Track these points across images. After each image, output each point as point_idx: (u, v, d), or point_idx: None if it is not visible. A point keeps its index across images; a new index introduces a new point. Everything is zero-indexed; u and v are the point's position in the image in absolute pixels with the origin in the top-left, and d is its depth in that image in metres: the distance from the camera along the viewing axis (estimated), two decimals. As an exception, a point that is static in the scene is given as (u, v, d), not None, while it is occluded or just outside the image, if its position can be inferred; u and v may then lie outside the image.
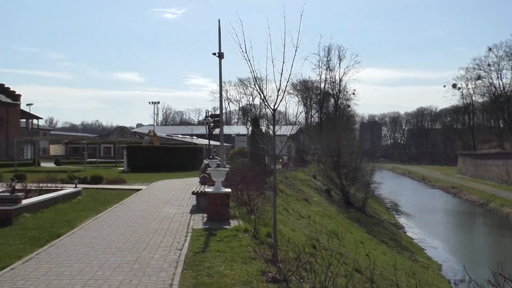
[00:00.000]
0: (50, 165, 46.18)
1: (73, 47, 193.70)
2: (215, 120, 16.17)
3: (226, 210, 11.04)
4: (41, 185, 15.33)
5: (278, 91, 7.53)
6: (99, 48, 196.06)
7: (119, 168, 38.97)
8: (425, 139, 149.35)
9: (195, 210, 12.89)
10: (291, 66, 7.16)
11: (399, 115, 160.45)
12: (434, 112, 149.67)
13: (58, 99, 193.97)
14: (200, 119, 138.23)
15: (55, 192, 14.33)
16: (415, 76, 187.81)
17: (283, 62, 7.36)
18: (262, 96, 7.45)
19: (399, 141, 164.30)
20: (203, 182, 15.93)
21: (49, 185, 16.24)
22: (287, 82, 7.30)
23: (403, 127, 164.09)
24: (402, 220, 41.58)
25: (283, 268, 6.58)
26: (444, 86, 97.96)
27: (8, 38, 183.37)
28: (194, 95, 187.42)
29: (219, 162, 22.44)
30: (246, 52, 7.37)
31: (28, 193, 14.14)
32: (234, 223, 10.65)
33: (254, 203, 12.79)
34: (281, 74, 7.39)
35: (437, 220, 41.00)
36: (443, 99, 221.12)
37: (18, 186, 14.85)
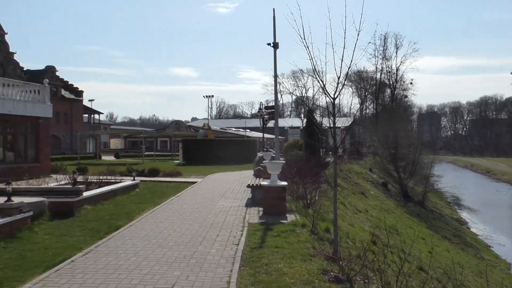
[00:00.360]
0: (110, 158, 48.02)
1: (132, 45, 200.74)
2: (270, 112, 15.86)
3: (282, 204, 10.72)
4: (101, 177, 15.74)
5: (339, 78, 7.07)
6: (155, 45, 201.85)
7: (175, 161, 39.76)
8: (489, 130, 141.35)
9: (250, 203, 12.68)
10: (353, 51, 6.68)
11: (460, 104, 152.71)
12: (500, 101, 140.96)
13: (118, 95, 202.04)
14: (253, 112, 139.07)
15: (114, 185, 14.64)
16: (477, 63, 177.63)
17: (344, 48, 6.90)
18: (321, 84, 7.02)
19: (460, 132, 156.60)
20: (258, 175, 15.70)
21: (108, 177, 16.68)
22: (349, 68, 6.83)
23: (465, 117, 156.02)
24: (465, 215, 39.46)
25: (346, 267, 6.17)
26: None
27: (72, 38, 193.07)
28: (247, 88, 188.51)
29: (273, 155, 22.16)
30: (304, 39, 6.96)
31: (89, 186, 14.54)
32: (291, 217, 10.32)
33: (311, 197, 12.39)
34: (342, 60, 6.92)
35: (504, 216, 38.48)
36: (510, 87, 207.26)
37: (79, 178, 15.37)
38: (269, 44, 15.92)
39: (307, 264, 6.48)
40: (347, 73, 6.91)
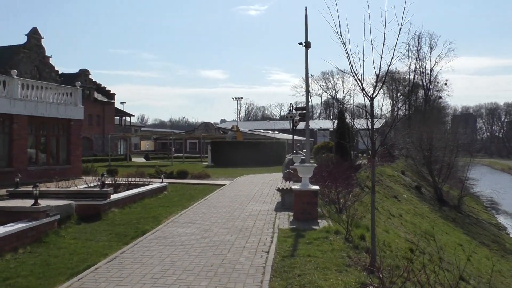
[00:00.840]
0: (140, 160, 48.52)
1: (163, 48, 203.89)
2: (300, 113, 15.42)
3: (314, 209, 10.27)
4: (129, 179, 15.67)
5: (378, 77, 6.59)
6: (186, 48, 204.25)
7: (203, 163, 39.75)
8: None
9: (280, 207, 12.27)
10: (394, 46, 6.20)
11: (497, 106, 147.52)
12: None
13: (149, 97, 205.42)
14: (282, 114, 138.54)
15: (143, 187, 14.51)
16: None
17: (383, 43, 6.41)
18: (359, 83, 6.56)
19: (497, 134, 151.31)
20: (287, 178, 15.28)
21: (137, 179, 16.61)
22: (389, 66, 6.34)
23: (502, 118, 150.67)
24: (503, 221, 37.82)
25: (387, 280, 5.68)
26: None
27: (105, 41, 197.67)
28: (276, 90, 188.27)
29: (303, 157, 21.67)
30: (341, 34, 6.52)
31: (118, 188, 14.48)
32: (322, 223, 9.85)
33: (344, 201, 11.88)
34: (381, 57, 6.44)
35: (546, 222, 36.70)
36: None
37: (108, 181, 15.34)
38: (300, 43, 15.48)
39: (343, 275, 6.02)
40: (387, 71, 6.44)
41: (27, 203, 8.57)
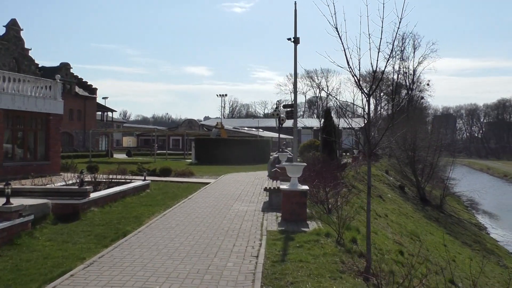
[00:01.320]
0: (122, 156, 47.63)
1: (147, 43, 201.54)
2: (288, 110, 15.04)
3: (303, 210, 9.91)
4: (110, 177, 15.09)
5: (374, 72, 6.25)
6: (170, 44, 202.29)
7: (187, 160, 39.16)
8: (506, 133, 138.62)
9: (267, 207, 11.89)
10: (393, 40, 5.87)
11: (477, 107, 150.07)
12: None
13: (132, 93, 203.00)
14: (266, 112, 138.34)
15: (124, 185, 13.96)
16: (495, 65, 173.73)
17: (381, 39, 6.08)
18: (355, 79, 6.21)
19: (476, 135, 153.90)
20: (274, 177, 14.91)
21: (118, 177, 16.05)
22: (387, 61, 6.01)
23: (481, 119, 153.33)
24: (483, 220, 38.27)
25: (383, 287, 5.34)
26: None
27: (89, 36, 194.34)
28: (260, 88, 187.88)
29: (289, 156, 21.34)
30: (336, 28, 6.15)
31: (98, 186, 13.90)
32: (312, 224, 9.50)
33: (333, 202, 11.56)
34: (379, 51, 6.10)
35: (525, 221, 37.23)
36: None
37: (88, 178, 14.74)
38: (289, 39, 15.10)
39: (337, 283, 5.66)
40: (386, 65, 6.11)
41: (1, 201, 8.00)
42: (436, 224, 30.08)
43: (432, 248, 18.91)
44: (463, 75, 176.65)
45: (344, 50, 6.24)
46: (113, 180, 14.77)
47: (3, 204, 7.56)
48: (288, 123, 30.48)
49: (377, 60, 6.23)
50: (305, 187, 10.15)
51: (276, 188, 11.78)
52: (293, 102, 14.12)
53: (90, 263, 6.33)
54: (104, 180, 14.71)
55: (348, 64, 6.20)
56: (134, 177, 18.87)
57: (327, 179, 12.61)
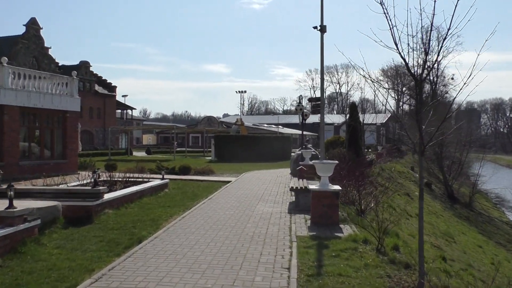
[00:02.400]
0: (142, 154, 47.25)
1: (166, 42, 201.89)
2: (314, 104, 14.06)
3: (335, 213, 8.98)
4: (128, 176, 14.39)
5: (426, 54, 5.29)
6: (189, 42, 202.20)
7: (206, 158, 38.49)
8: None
9: (293, 208, 10.99)
10: (452, 13, 4.90)
11: (502, 101, 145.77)
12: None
13: (152, 91, 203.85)
14: (285, 108, 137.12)
15: (142, 185, 13.23)
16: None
17: (433, 15, 5.12)
18: (404, 61, 5.26)
19: (501, 129, 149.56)
20: (300, 175, 13.98)
21: (136, 175, 15.38)
22: (444, 39, 5.04)
23: (508, 114, 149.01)
24: (516, 217, 36.63)
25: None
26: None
27: (108, 35, 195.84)
28: (279, 84, 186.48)
29: (313, 152, 20.36)
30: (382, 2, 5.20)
31: (114, 185, 13.23)
32: (346, 229, 8.56)
33: (365, 203, 10.62)
34: (431, 28, 5.14)
35: (558, 219, 35.47)
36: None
37: (104, 177, 14.08)
38: (315, 27, 14.12)
39: (388, 304, 4.73)
40: (442, 45, 5.13)
41: (6, 204, 7.31)
42: (467, 223, 28.72)
43: (468, 250, 17.73)
44: (486, 69, 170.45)
45: (391, 28, 5.30)
46: (130, 179, 14.08)
47: (6, 208, 6.85)
48: (311, 118, 29.51)
49: (429, 37, 5.28)
50: (337, 187, 9.21)
51: (304, 188, 10.87)
52: (318, 96, 13.16)
53: (99, 276, 5.54)
54: (120, 179, 14.04)
55: (396, 45, 5.27)
56: (152, 175, 18.21)
57: (358, 177, 11.66)
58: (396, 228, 10.02)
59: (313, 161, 8.93)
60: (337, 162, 9.43)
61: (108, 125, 56.12)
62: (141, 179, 14.39)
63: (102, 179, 13.93)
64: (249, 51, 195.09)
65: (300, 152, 21.52)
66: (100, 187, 10.18)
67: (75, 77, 20.85)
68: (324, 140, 35.74)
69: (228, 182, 17.70)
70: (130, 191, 11.81)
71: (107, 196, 10.24)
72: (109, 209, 10.11)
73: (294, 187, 10.91)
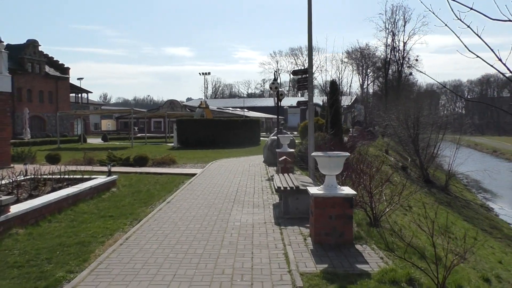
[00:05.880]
0: (98, 141, 43.30)
1: (128, 24, 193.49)
2: (301, 78, 11.29)
3: (348, 228, 6.27)
4: (62, 172, 11.20)
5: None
6: (151, 24, 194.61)
7: (168, 144, 35.21)
8: (490, 109, 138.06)
9: (281, 217, 8.22)
10: None
11: (461, 83, 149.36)
12: (502, 79, 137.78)
13: (113, 76, 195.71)
14: (249, 91, 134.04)
15: (78, 185, 10.10)
16: (476, 42, 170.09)
17: None
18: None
19: (459, 111, 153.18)
20: (284, 169, 11.24)
21: (79, 169, 12.21)
22: None
23: (466, 95, 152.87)
24: (487, 200, 35.71)
25: None
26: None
27: (68, 17, 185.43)
28: (243, 68, 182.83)
29: (291, 138, 17.68)
30: None
31: (43, 186, 10.05)
32: (368, 253, 5.84)
33: (378, 206, 7.99)
34: None
35: (529, 199, 34.67)
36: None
37: (30, 173, 10.84)
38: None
39: None
40: None
41: None
42: (450, 209, 27.10)
43: (466, 243, 15.60)
44: (444, 52, 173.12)
45: None
46: (64, 177, 10.90)
47: None
48: (285, 101, 26.84)
49: None
50: (349, 190, 6.47)
51: (295, 188, 8.09)
52: (304, 67, 10.35)
53: None
54: (52, 177, 10.84)
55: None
56: (101, 168, 15.08)
57: (361, 170, 9.03)
58: (421, 241, 7.47)
59: (314, 153, 6.13)
60: (348, 154, 6.71)
61: (61, 110, 51.47)
62: (80, 177, 11.23)
63: (27, 177, 10.70)
64: (212, 34, 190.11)
65: (275, 137, 18.79)
66: (4, 197, 6.99)
67: (3, 50, 17.11)
68: (302, 123, 33.01)
69: (193, 175, 14.75)
70: (58, 196, 8.65)
71: (16, 209, 7.12)
72: (20, 228, 6.99)
73: (282, 187, 8.11)
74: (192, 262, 5.52)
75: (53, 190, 9.48)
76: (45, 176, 10.77)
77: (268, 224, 7.61)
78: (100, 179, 11.06)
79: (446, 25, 3.56)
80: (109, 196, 10.63)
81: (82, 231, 7.23)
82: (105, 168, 13.94)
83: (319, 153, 6.44)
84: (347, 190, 6.42)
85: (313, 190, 6.52)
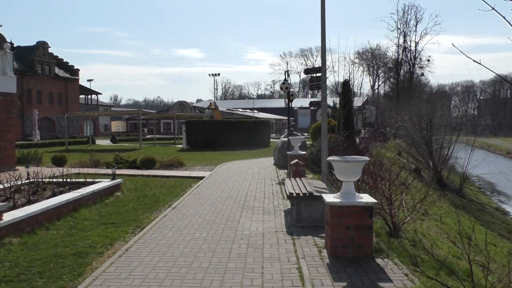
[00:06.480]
0: (107, 142, 43.12)
1: (137, 26, 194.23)
2: (313, 77, 10.71)
3: (367, 239, 5.72)
4: (65, 175, 10.79)
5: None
6: (161, 26, 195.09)
7: (177, 146, 34.84)
8: (503, 110, 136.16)
9: (293, 224, 7.68)
10: None
11: (473, 83, 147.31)
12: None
13: (123, 77, 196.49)
14: (259, 93, 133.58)
15: (80, 190, 9.66)
16: (487, 42, 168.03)
17: None
18: None
19: (472, 112, 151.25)
20: (295, 172, 10.71)
21: (84, 171, 11.81)
22: None
23: (478, 96, 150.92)
24: (502, 203, 34.86)
25: None
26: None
27: (78, 19, 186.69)
28: (253, 69, 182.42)
29: (303, 140, 17.14)
30: None
31: (43, 191, 9.62)
32: (391, 269, 5.27)
33: (398, 214, 7.43)
34: None
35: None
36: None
37: (27, 177, 10.43)
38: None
39: None
40: None
41: None
42: (465, 213, 26.32)
43: (497, 258, 14.90)
44: (455, 52, 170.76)
45: None
46: (66, 181, 10.48)
47: None
48: (296, 102, 26.21)
49: None
50: (369, 198, 5.92)
51: (308, 194, 7.55)
52: (320, 66, 9.81)
53: None
54: (54, 180, 10.43)
55: None
56: (108, 171, 14.68)
57: (382, 175, 8.47)
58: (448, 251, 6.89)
59: (330, 157, 5.57)
60: (367, 159, 6.16)
61: (71, 111, 51.41)
62: (83, 180, 10.80)
63: (28, 180, 10.29)
64: (223, 36, 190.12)
65: (285, 139, 18.24)
66: (-3, 204, 6.55)
67: (8, 50, 16.79)
68: (313, 124, 32.35)
69: (201, 178, 14.28)
70: (58, 202, 8.21)
71: (10, 216, 6.68)
72: (14, 237, 6.55)
73: (295, 194, 7.58)
74: (196, 278, 5.01)
75: (54, 194, 9.04)
76: (46, 180, 10.36)
77: (279, 234, 7.08)
78: (104, 183, 10.62)
79: (493, 8, 2.98)
80: (113, 201, 10.17)
81: (81, 240, 6.77)
82: (110, 172, 13.52)
83: (336, 158, 5.90)
84: (366, 198, 5.86)
85: (329, 198, 5.98)
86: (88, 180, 10.90)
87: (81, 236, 7.01)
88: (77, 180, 10.78)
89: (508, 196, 36.99)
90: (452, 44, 3.50)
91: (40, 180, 10.09)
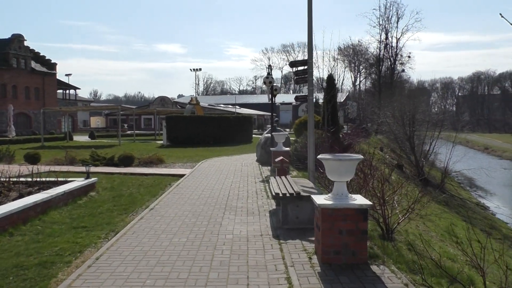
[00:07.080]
0: (85, 138, 41.97)
1: (118, 20, 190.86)
2: (299, 71, 10.23)
3: (362, 245, 5.26)
4: (36, 173, 10.11)
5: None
6: (142, 21, 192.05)
7: (158, 142, 34.04)
8: (480, 106, 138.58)
9: (279, 227, 7.19)
10: None
11: (451, 80, 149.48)
12: (492, 76, 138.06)
13: (103, 72, 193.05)
14: (241, 88, 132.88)
15: (50, 190, 8.99)
16: (466, 40, 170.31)
17: None
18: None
19: (450, 108, 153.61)
20: (280, 170, 10.22)
21: (56, 170, 11.09)
22: None
23: (456, 92, 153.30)
24: (482, 198, 35.16)
25: None
26: None
27: (58, 12, 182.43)
28: (235, 65, 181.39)
29: (287, 135, 16.68)
30: None
31: (9, 192, 8.93)
32: (388, 277, 4.84)
33: (391, 216, 7.01)
34: None
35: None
36: (503, 63, 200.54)
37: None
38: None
39: None
40: None
41: None
42: (448, 209, 26.35)
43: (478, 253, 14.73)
44: (435, 49, 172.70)
45: None
46: (37, 181, 9.79)
47: None
48: (280, 98, 25.84)
49: None
50: (363, 200, 5.46)
51: (295, 194, 7.07)
52: (306, 59, 9.33)
53: None
54: (22, 180, 9.73)
55: None
56: (84, 168, 13.95)
57: (373, 173, 8.05)
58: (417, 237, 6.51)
59: (322, 155, 5.07)
60: (361, 157, 5.70)
61: (48, 107, 49.94)
62: (54, 179, 10.11)
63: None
64: (205, 31, 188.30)
65: (268, 135, 17.76)
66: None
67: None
68: (297, 120, 31.96)
69: (181, 176, 13.69)
70: (23, 204, 7.54)
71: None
72: (-29, 244, 5.91)
73: (281, 194, 7.09)
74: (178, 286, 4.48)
75: (21, 196, 8.36)
76: (14, 179, 9.65)
77: (265, 237, 6.58)
78: (77, 183, 9.95)
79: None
80: (86, 201, 9.53)
81: (47, 247, 6.15)
82: (85, 170, 12.82)
83: (327, 156, 5.42)
84: (360, 200, 5.40)
85: (320, 199, 5.50)
86: (60, 179, 10.22)
87: (48, 242, 6.39)
88: (48, 179, 10.10)
89: (486, 191, 37.35)
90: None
91: (6, 179, 9.37)
